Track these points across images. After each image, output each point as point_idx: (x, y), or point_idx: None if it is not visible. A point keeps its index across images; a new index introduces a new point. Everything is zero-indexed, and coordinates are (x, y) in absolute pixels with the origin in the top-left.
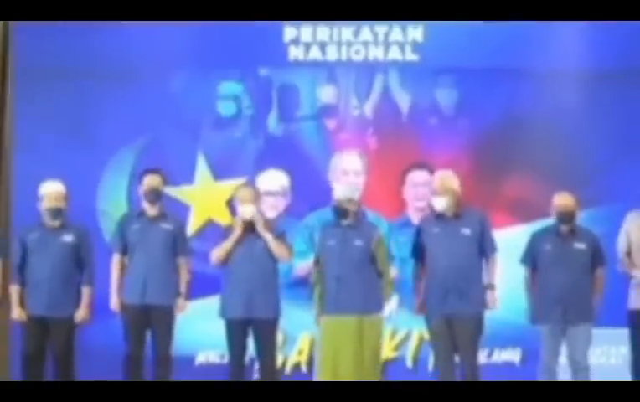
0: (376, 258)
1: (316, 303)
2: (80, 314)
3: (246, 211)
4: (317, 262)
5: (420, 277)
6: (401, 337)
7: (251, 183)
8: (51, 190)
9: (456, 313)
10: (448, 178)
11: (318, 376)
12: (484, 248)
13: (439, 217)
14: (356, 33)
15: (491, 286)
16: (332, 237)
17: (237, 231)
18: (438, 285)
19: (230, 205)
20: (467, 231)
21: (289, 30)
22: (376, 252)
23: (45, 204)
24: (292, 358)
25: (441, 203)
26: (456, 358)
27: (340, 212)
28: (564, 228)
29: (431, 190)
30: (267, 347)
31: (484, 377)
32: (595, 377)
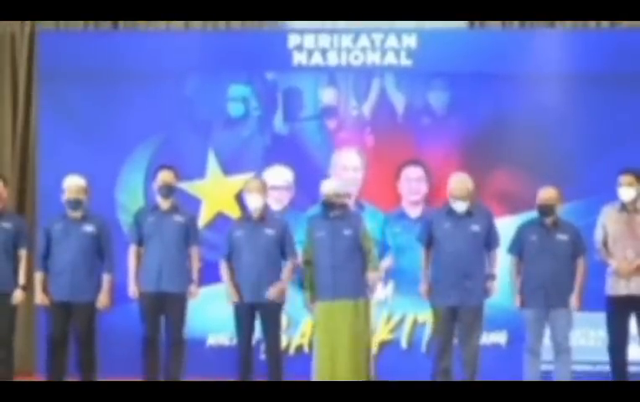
0: (363, 246)
1: (306, 291)
2: (101, 300)
3: (254, 200)
4: (306, 253)
5: (427, 264)
6: (396, 321)
7: (259, 177)
8: (72, 183)
9: (462, 303)
10: (467, 182)
11: (317, 360)
12: (489, 242)
13: (451, 212)
14: (355, 40)
15: (492, 277)
16: (322, 229)
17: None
18: (446, 277)
19: (239, 198)
20: (476, 228)
21: (293, 38)
22: (363, 242)
23: (66, 196)
24: (296, 340)
25: (461, 207)
26: (455, 342)
27: (329, 205)
28: (547, 220)
29: (451, 193)
30: (273, 330)
31: None
32: (575, 357)
